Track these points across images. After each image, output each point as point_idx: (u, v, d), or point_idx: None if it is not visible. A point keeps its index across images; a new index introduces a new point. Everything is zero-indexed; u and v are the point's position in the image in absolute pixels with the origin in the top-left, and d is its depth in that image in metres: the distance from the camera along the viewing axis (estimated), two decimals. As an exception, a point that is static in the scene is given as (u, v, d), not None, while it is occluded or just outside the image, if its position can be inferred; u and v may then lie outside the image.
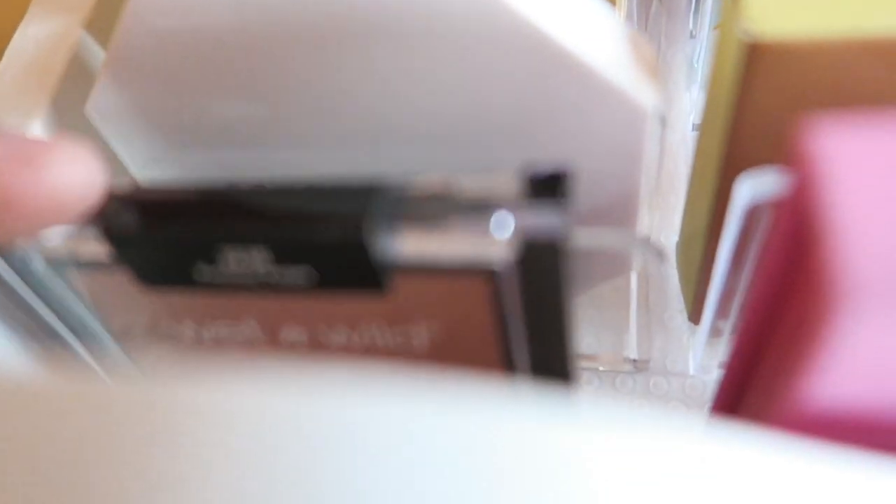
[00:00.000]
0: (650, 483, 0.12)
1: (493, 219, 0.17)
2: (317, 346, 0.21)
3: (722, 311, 0.28)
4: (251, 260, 0.18)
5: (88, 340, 0.24)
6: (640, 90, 0.22)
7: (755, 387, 0.23)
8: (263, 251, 0.18)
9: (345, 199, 0.17)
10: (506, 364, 0.21)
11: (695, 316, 0.33)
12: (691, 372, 0.33)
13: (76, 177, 0.16)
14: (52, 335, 0.23)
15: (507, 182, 0.17)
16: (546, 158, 0.22)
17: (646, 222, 0.35)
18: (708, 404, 0.29)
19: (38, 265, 0.21)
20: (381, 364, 0.21)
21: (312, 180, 0.18)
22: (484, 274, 0.17)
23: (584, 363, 0.34)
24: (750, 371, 0.23)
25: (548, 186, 0.17)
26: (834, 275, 0.13)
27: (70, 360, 0.24)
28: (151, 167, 0.26)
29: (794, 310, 0.17)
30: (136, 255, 0.19)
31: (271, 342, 0.22)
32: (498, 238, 0.17)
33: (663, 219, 0.36)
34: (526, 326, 0.19)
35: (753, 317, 0.19)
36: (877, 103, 0.20)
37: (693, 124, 0.38)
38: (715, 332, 0.30)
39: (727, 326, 0.29)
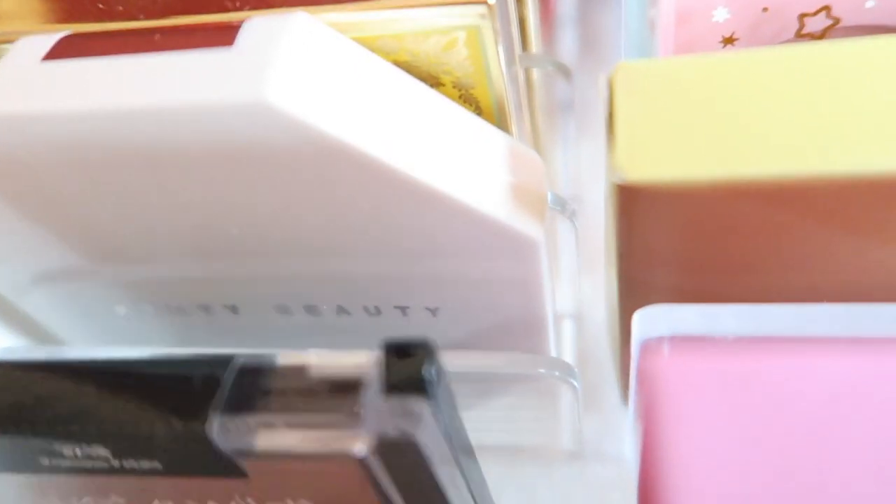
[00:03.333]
0: None
1: (350, 409, 0.15)
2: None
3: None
4: (94, 454, 0.17)
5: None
6: (525, 218, 0.20)
7: None
8: (102, 448, 0.17)
9: (189, 385, 0.16)
10: None
11: (626, 395, 0.31)
12: (629, 456, 0.32)
13: None
14: None
15: (366, 361, 0.16)
16: (442, 294, 0.21)
17: (576, 297, 0.34)
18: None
19: None
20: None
21: (157, 359, 0.17)
22: (348, 459, 0.16)
23: (516, 455, 0.32)
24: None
25: (408, 364, 0.15)
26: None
27: None
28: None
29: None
30: None
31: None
32: (354, 432, 0.15)
33: (592, 292, 0.34)
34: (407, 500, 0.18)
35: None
36: (751, 241, 0.20)
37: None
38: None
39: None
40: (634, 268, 0.20)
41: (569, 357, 0.33)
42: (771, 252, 0.20)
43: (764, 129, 0.18)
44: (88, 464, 0.17)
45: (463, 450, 0.18)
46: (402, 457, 0.16)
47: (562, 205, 0.26)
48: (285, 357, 0.16)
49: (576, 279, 0.31)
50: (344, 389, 0.16)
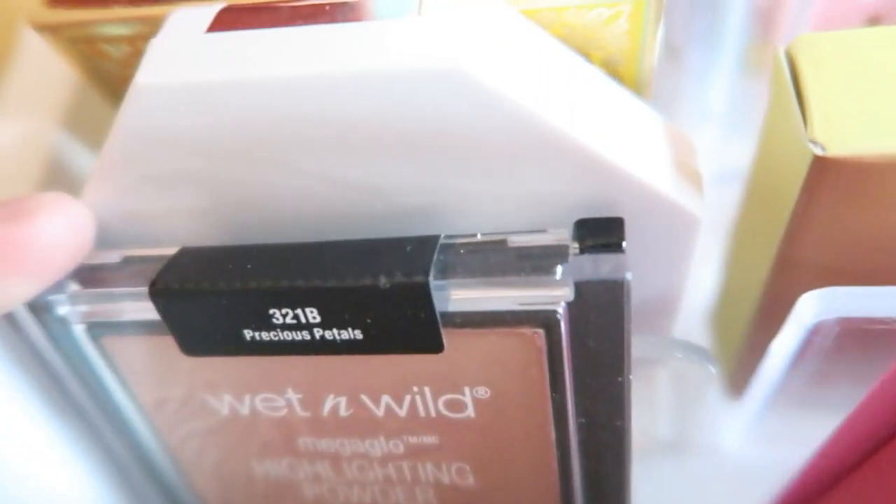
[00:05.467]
0: None
1: (549, 265, 0.16)
2: (359, 419, 0.21)
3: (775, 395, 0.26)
4: (302, 320, 0.17)
5: (113, 415, 0.23)
6: (688, 195, 0.19)
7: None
8: (314, 311, 0.17)
9: (399, 252, 0.17)
10: (558, 443, 0.20)
11: (735, 387, 0.31)
12: (730, 449, 0.31)
13: (62, 227, 0.17)
14: (78, 410, 0.22)
15: (562, 234, 0.17)
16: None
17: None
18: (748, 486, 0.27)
19: (77, 330, 0.20)
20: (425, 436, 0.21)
21: (362, 239, 0.18)
22: (541, 321, 0.17)
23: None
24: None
25: (602, 233, 0.17)
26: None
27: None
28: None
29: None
30: (183, 317, 0.18)
31: (312, 415, 0.21)
32: (555, 281, 0.16)
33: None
34: (580, 389, 0.19)
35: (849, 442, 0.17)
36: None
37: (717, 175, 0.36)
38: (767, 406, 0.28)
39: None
40: (801, 247, 0.20)
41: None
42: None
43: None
44: (291, 336, 0.18)
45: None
46: (601, 309, 0.16)
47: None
48: (485, 235, 0.17)
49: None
50: (543, 256, 0.17)
